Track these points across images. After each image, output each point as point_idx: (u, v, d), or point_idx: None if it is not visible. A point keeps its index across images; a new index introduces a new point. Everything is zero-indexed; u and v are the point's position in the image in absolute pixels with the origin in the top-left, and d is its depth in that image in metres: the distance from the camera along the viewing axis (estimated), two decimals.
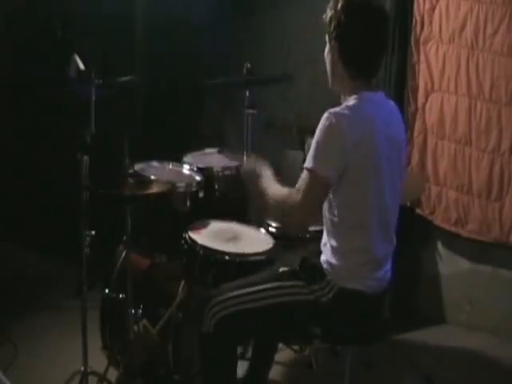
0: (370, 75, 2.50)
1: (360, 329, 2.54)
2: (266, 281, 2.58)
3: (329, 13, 2.46)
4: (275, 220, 3.09)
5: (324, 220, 2.52)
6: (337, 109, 2.40)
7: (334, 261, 2.47)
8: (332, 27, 2.44)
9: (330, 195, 2.43)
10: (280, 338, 2.98)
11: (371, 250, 2.47)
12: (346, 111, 2.39)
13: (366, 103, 2.44)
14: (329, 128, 2.35)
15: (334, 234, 2.48)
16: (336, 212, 2.44)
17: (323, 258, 2.52)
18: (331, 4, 2.47)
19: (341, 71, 2.48)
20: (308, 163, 2.38)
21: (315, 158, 2.37)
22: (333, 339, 2.72)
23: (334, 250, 2.48)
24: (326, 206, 2.47)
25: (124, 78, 3.00)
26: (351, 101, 2.43)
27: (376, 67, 2.51)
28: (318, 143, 2.37)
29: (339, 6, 2.42)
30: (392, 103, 2.61)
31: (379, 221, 2.47)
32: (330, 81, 2.55)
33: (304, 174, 2.39)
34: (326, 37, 2.50)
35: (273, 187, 2.54)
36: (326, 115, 2.38)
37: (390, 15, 2.45)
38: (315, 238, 2.69)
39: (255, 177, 2.62)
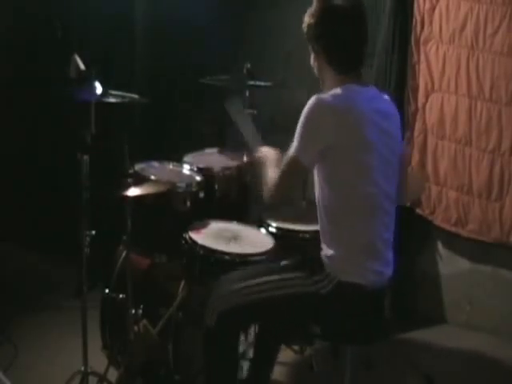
0: (356, 68, 2.55)
1: (359, 324, 2.53)
2: (268, 273, 2.59)
3: (307, 20, 2.54)
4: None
5: (318, 211, 2.54)
6: (320, 94, 2.48)
7: (331, 252, 2.49)
8: (313, 32, 2.52)
9: (322, 182, 2.48)
10: (281, 333, 2.97)
11: (367, 236, 2.48)
12: (327, 96, 2.46)
13: (350, 92, 2.48)
14: (309, 111, 2.44)
15: (328, 222, 2.51)
16: (328, 198, 2.47)
17: (322, 252, 2.54)
18: (309, 12, 2.54)
19: (329, 72, 2.55)
20: (292, 148, 2.49)
21: (298, 143, 2.47)
22: (332, 335, 2.72)
23: (330, 239, 2.51)
24: (318, 193, 2.52)
25: (123, 99, 3.01)
26: (336, 90, 2.49)
27: (362, 58, 2.56)
28: (300, 129, 2.47)
29: (315, 10, 2.51)
30: (387, 97, 2.64)
31: (373, 207, 2.48)
32: (321, 85, 2.63)
33: (288, 156, 2.50)
34: (310, 45, 2.57)
35: (271, 169, 2.64)
36: (309, 100, 2.45)
37: (365, 9, 2.54)
38: (315, 238, 2.69)
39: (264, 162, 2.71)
